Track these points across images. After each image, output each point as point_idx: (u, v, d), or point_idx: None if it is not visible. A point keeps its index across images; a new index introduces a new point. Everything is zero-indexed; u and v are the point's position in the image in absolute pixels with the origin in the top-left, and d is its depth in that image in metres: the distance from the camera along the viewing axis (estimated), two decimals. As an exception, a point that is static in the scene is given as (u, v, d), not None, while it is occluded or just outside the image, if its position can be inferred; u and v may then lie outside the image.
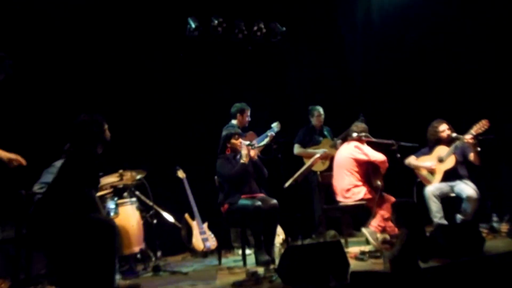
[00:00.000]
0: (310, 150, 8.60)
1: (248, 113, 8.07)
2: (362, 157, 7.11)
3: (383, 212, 7.09)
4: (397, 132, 8.04)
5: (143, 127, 8.54)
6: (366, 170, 7.17)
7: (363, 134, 7.41)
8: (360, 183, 7.19)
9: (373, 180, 7.08)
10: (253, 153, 7.11)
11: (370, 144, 7.50)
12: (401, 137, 7.53)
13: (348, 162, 7.17)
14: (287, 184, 7.23)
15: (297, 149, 8.72)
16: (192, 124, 8.96)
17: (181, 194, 8.14)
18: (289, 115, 9.69)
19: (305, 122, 9.13)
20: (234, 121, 8.06)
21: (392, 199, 7.13)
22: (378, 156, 7.08)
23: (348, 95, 9.80)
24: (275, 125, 8.24)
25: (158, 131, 8.69)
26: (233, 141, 7.15)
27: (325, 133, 9.07)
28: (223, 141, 7.26)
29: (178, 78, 8.72)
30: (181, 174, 8.19)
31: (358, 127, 7.45)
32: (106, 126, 5.48)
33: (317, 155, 8.03)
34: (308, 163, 7.68)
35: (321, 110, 8.84)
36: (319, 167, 8.75)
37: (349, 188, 7.18)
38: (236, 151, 7.13)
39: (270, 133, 8.09)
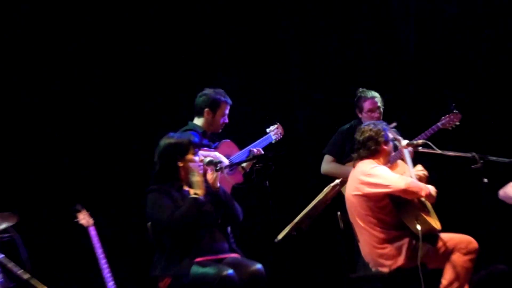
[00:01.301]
0: (346, 168, 5.90)
1: (227, 109, 5.62)
2: (373, 189, 4.80)
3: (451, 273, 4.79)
4: (479, 140, 6.65)
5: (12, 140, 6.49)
6: (391, 210, 4.84)
7: (420, 141, 5.04)
8: (388, 236, 4.86)
9: (410, 224, 4.80)
10: (210, 177, 4.68)
11: (433, 158, 5.13)
12: (488, 148, 5.38)
13: (356, 203, 4.93)
14: (280, 236, 4.69)
15: (327, 164, 6.18)
16: (104, 132, 6.71)
17: (85, 255, 5.93)
18: (293, 110, 7.37)
19: (335, 121, 6.57)
20: (197, 121, 5.59)
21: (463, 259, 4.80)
22: (395, 181, 4.77)
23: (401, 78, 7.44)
24: (273, 130, 5.86)
25: (41, 145, 6.54)
26: (188, 157, 4.61)
27: None
28: (161, 159, 4.69)
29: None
30: (85, 218, 5.92)
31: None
32: None
33: (337, 181, 4.86)
34: (323, 192, 4.82)
35: (378, 97, 6.12)
36: None
37: (377, 251, 4.87)
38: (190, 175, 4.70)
39: (263, 144, 5.74)
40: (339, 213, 5.24)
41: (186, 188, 4.67)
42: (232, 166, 5.33)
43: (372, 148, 4.95)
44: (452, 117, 6.03)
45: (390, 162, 5.15)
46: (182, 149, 4.65)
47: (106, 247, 5.85)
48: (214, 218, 4.69)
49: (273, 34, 7.22)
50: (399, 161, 5.28)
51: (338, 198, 5.11)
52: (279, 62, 7.29)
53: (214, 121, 5.58)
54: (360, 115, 6.12)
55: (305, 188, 6.72)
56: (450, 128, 6.03)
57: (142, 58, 6.69)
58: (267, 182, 4.68)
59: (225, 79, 6.47)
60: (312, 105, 7.30)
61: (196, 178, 4.59)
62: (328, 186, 4.83)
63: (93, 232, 5.86)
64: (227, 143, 5.67)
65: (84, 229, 5.91)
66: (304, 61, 7.36)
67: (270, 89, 7.23)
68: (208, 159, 4.72)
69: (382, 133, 4.97)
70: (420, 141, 5.03)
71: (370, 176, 4.87)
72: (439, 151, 4.94)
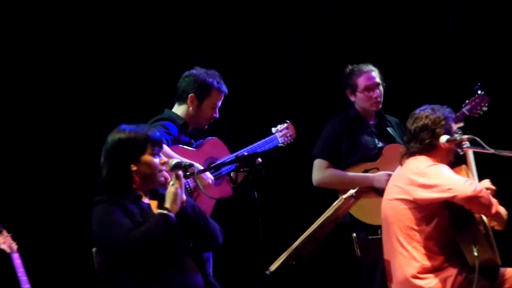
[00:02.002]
0: (350, 175, 5.14)
1: (219, 99, 4.79)
2: (428, 193, 4.10)
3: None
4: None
5: None
6: (446, 228, 4.18)
7: (466, 137, 4.25)
8: (434, 263, 4.20)
9: (465, 250, 4.13)
10: (172, 188, 3.85)
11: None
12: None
13: (399, 211, 4.22)
14: (273, 267, 3.95)
15: (321, 171, 5.20)
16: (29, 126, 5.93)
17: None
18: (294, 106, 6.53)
19: (331, 109, 5.67)
20: (177, 109, 4.74)
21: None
22: (461, 185, 4.07)
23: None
24: (281, 130, 4.94)
25: None
26: (144, 158, 3.75)
27: (389, 130, 5.35)
28: (109, 161, 3.85)
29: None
30: (6, 242, 5.28)
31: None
32: None
33: (352, 191, 4.00)
34: (332, 207, 4.01)
35: (376, 71, 5.18)
36: (370, 218, 5.05)
37: (413, 281, 4.18)
38: (154, 184, 3.91)
39: (265, 147, 4.85)
40: (354, 234, 4.38)
41: (145, 200, 3.78)
42: (207, 171, 4.36)
43: (426, 142, 4.15)
44: (478, 100, 5.15)
45: (452, 164, 4.34)
46: (136, 148, 3.78)
47: (33, 278, 5.12)
48: (184, 243, 3.81)
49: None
50: (464, 166, 4.45)
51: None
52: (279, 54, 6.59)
53: (200, 113, 4.70)
54: (353, 98, 5.10)
55: (307, 201, 5.94)
56: (477, 115, 5.15)
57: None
58: (255, 193, 3.77)
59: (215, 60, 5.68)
60: (314, 100, 6.53)
61: (173, 189, 3.71)
62: (339, 198, 3.92)
63: (16, 259, 5.20)
64: (213, 142, 4.78)
65: (5, 256, 5.18)
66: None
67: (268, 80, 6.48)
68: (174, 161, 3.76)
69: (443, 122, 4.14)
70: (465, 137, 4.20)
71: (425, 176, 4.12)
72: (491, 151, 4.16)
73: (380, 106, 5.15)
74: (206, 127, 4.70)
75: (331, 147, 5.11)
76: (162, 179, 3.70)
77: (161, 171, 3.72)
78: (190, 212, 3.77)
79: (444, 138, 4.10)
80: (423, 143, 4.14)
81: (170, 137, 4.39)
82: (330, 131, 5.11)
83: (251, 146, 4.77)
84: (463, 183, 4.01)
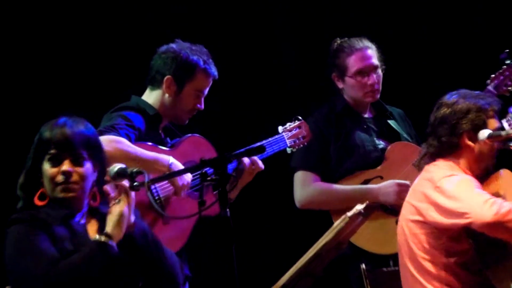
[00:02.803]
0: (345, 188, 4.16)
1: (206, 84, 3.85)
2: (441, 218, 3.34)
3: None
4: None
5: None
6: (468, 258, 3.42)
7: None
8: None
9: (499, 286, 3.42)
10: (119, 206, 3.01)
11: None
12: None
13: (411, 237, 3.47)
14: None
15: (303, 187, 4.25)
16: None
17: None
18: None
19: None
20: (149, 95, 3.83)
21: None
22: (478, 207, 3.27)
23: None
24: (291, 130, 4.06)
25: None
26: (44, 165, 3.06)
27: (390, 123, 4.34)
28: (27, 165, 3.07)
29: None
30: None
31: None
32: None
33: (359, 207, 3.07)
34: (333, 228, 3.12)
35: (373, 48, 4.22)
36: (376, 245, 4.12)
37: None
38: (56, 201, 3.03)
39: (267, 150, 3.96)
40: (363, 266, 3.65)
41: (82, 219, 3.03)
42: (164, 179, 3.44)
43: (444, 140, 3.40)
44: (507, 73, 4.29)
45: (489, 172, 3.53)
46: (41, 150, 3.15)
47: None
48: (129, 282, 3.11)
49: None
50: (502, 172, 3.61)
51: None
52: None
53: (179, 101, 3.80)
54: (341, 85, 4.21)
55: (296, 221, 4.97)
56: (508, 94, 4.27)
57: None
58: (227, 211, 2.90)
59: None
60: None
61: (118, 208, 2.97)
62: (343, 217, 3.06)
63: None
64: (194, 140, 3.88)
65: None
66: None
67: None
68: (116, 167, 2.94)
69: (471, 115, 3.42)
70: None
71: (440, 192, 3.36)
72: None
73: (378, 96, 4.24)
74: (187, 121, 3.80)
75: (315, 153, 4.14)
76: (74, 193, 2.91)
77: (59, 184, 2.92)
78: (140, 241, 3.02)
79: (484, 133, 3.33)
80: (440, 141, 3.37)
81: (134, 132, 3.51)
82: (314, 133, 4.13)
83: (249, 147, 3.73)
84: (481, 205, 3.23)
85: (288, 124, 3.95)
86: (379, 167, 4.12)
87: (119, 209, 2.93)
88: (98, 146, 2.93)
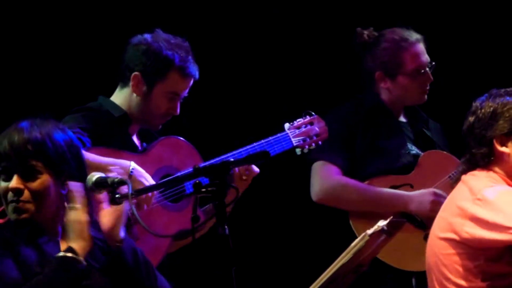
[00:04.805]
0: (375, 190, 3.77)
1: (183, 84, 3.34)
2: (482, 232, 2.99)
3: None
4: None
5: None
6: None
7: None
8: None
9: None
10: (107, 218, 2.66)
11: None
12: None
13: (443, 257, 3.10)
14: None
15: (324, 178, 3.80)
16: None
17: None
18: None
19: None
20: (117, 95, 3.39)
21: None
22: None
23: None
24: (300, 127, 3.59)
25: None
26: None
27: (426, 132, 4.02)
28: None
29: None
30: None
31: None
32: None
33: (381, 223, 2.66)
34: (352, 248, 2.66)
35: (422, 42, 3.83)
36: (401, 260, 3.74)
37: None
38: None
39: (271, 150, 3.46)
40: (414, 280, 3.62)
41: (54, 238, 2.75)
42: (150, 190, 3.07)
43: (474, 153, 3.13)
44: None
45: None
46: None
47: None
48: None
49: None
50: None
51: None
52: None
53: (149, 104, 3.38)
54: (385, 84, 3.87)
55: (306, 241, 4.58)
56: None
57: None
58: (226, 228, 2.58)
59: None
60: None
61: (75, 216, 2.66)
62: (362, 235, 2.72)
63: None
64: (170, 142, 3.46)
65: None
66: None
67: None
68: (95, 176, 2.64)
69: (500, 114, 3.10)
70: None
71: (479, 204, 3.06)
72: None
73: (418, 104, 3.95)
74: (160, 127, 3.39)
75: (339, 146, 3.74)
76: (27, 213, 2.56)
77: (10, 202, 2.59)
78: (129, 259, 2.69)
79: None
80: (471, 153, 3.07)
81: (91, 135, 3.16)
82: (339, 123, 3.74)
83: (242, 149, 3.42)
84: None
85: (297, 121, 3.52)
86: (409, 174, 3.78)
87: (75, 217, 2.58)
88: (64, 152, 2.58)
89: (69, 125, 2.93)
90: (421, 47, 3.76)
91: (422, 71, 3.71)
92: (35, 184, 2.48)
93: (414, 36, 3.77)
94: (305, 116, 3.53)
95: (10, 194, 2.50)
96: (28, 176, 2.48)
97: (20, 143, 2.51)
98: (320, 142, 3.52)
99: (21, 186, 2.47)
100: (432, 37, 4.21)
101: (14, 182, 2.46)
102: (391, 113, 3.85)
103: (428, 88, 3.78)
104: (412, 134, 3.92)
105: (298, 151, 3.47)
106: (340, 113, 3.81)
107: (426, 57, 3.78)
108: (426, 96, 3.85)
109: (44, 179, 2.49)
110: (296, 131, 3.47)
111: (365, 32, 3.82)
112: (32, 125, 2.55)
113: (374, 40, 3.80)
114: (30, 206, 2.48)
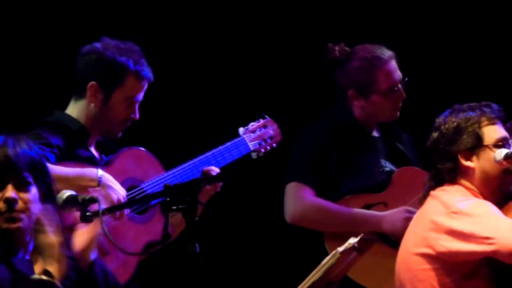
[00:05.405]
0: (348, 210, 3.69)
1: (139, 90, 3.31)
2: (459, 245, 2.99)
3: None
4: None
5: None
6: None
7: None
8: None
9: None
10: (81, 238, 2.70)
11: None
12: None
13: (417, 272, 3.08)
14: None
15: (298, 200, 3.72)
16: None
17: None
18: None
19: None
20: (73, 108, 3.34)
21: None
22: (507, 232, 2.96)
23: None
24: (254, 131, 3.62)
25: None
26: None
27: (399, 146, 3.96)
28: None
29: None
30: None
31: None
32: None
33: (352, 241, 2.66)
34: (323, 265, 2.63)
35: (394, 59, 3.78)
36: (373, 281, 3.63)
37: None
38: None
39: (227, 157, 3.52)
40: None
41: (26, 255, 2.66)
42: (123, 208, 3.05)
43: (440, 168, 3.13)
44: None
45: (506, 197, 3.16)
46: None
47: None
48: None
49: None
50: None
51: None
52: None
53: (108, 112, 3.34)
54: (358, 102, 3.82)
55: (279, 259, 4.44)
56: None
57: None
58: (196, 246, 2.54)
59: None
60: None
61: (48, 239, 2.64)
62: (333, 253, 2.71)
63: None
64: (133, 154, 3.41)
65: None
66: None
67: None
68: (65, 194, 2.59)
69: (471, 127, 3.08)
70: None
71: (454, 217, 3.04)
72: None
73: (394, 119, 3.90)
74: (120, 134, 3.35)
75: (312, 166, 3.68)
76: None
77: (2, 213, 2.51)
78: (101, 282, 2.66)
79: (500, 154, 2.98)
80: (437, 169, 3.06)
81: (52, 150, 3.09)
82: (313, 142, 3.70)
83: (202, 156, 3.39)
84: (509, 229, 2.91)
85: (251, 124, 3.51)
86: (383, 193, 3.73)
87: (48, 241, 2.54)
88: (43, 168, 2.55)
89: (33, 143, 2.88)
90: (393, 64, 3.71)
91: (396, 88, 3.66)
92: (27, 196, 2.45)
93: (386, 53, 3.71)
94: (259, 119, 3.52)
95: (2, 205, 2.46)
96: (21, 187, 2.44)
97: (13, 154, 2.48)
98: (274, 145, 3.50)
99: (16, 196, 2.44)
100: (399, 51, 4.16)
101: (10, 192, 2.43)
102: (364, 130, 3.79)
103: (400, 104, 3.73)
104: (385, 149, 3.87)
105: (254, 155, 3.46)
106: (313, 131, 3.75)
107: (398, 74, 3.73)
108: (398, 113, 3.81)
109: (34, 192, 2.46)
110: (252, 135, 3.47)
111: (336, 48, 3.74)
112: (15, 139, 2.53)
113: (345, 57, 3.72)
114: (22, 216, 2.45)
